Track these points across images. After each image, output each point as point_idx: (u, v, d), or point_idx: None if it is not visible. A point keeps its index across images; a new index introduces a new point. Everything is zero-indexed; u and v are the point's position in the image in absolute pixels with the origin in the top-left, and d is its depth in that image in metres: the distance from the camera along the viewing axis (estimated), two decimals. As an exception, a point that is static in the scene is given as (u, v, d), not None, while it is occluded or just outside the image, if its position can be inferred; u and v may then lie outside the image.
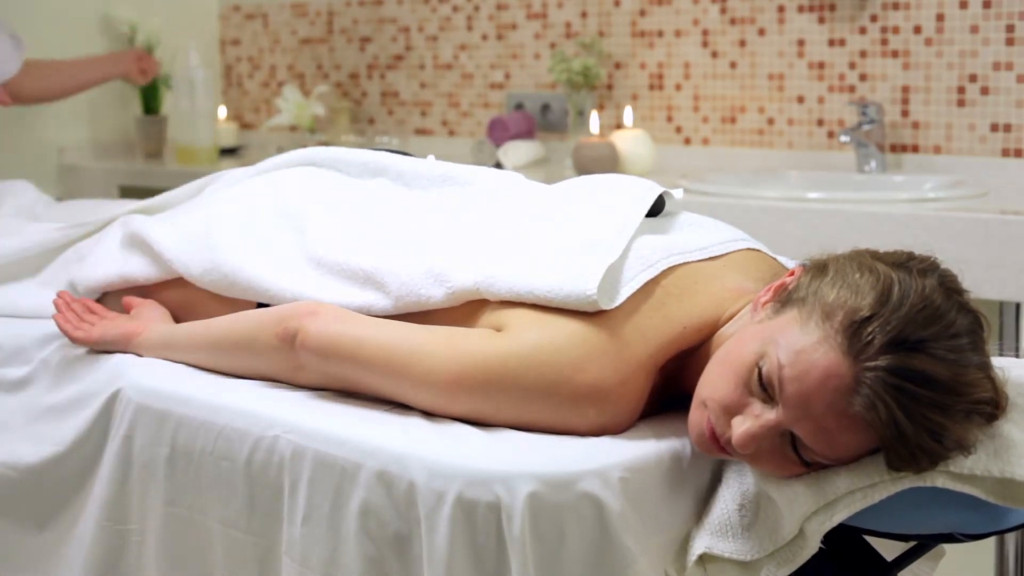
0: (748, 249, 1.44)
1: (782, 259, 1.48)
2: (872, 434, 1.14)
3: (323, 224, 1.53)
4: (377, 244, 1.47)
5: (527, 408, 1.25)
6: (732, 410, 1.19)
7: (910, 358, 1.12)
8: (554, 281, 1.29)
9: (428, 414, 1.30)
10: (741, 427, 1.18)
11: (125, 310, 1.64)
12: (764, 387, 1.17)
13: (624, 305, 1.29)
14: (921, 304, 1.15)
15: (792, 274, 1.27)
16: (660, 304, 1.30)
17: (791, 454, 1.18)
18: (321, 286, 1.46)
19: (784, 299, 1.23)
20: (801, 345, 1.16)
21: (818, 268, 1.23)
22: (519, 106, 3.27)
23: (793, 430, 1.17)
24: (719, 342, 1.29)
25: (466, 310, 1.38)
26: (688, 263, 1.36)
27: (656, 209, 1.47)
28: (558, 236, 1.38)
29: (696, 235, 1.42)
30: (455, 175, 1.60)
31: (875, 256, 1.23)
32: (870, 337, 1.13)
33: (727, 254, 1.40)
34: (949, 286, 1.19)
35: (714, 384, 1.22)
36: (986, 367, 1.17)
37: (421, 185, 1.60)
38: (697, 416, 1.23)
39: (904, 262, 1.21)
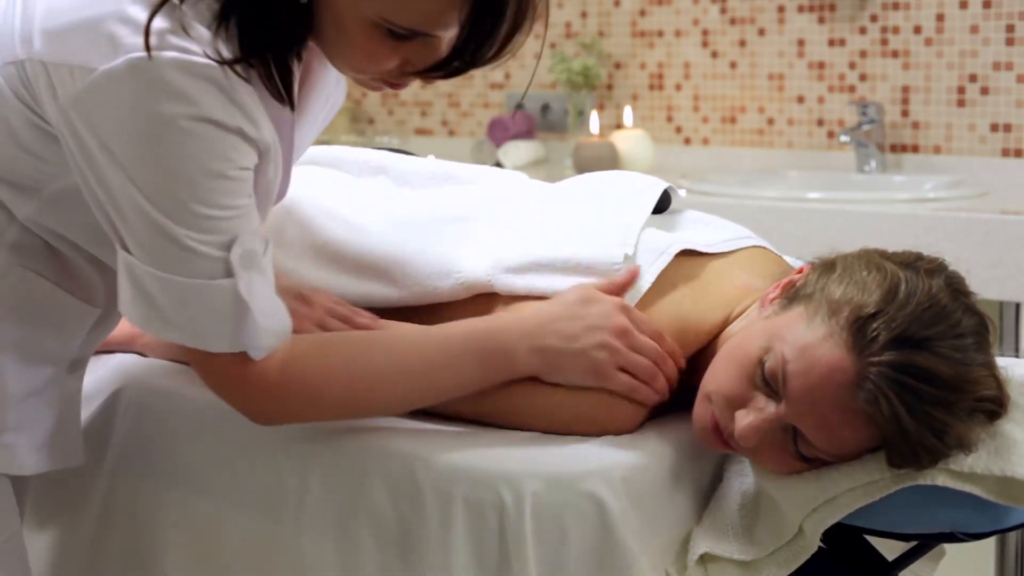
0: (755, 247, 1.43)
1: (787, 259, 1.48)
2: (874, 430, 1.14)
3: (325, 219, 1.52)
4: (382, 236, 1.47)
5: (535, 409, 1.26)
6: (736, 403, 1.20)
7: (914, 355, 1.13)
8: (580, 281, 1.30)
9: (432, 415, 1.30)
10: (744, 420, 1.18)
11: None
12: (768, 382, 1.18)
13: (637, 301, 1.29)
14: (927, 303, 1.16)
15: (801, 271, 1.27)
16: (671, 301, 1.31)
17: (793, 449, 1.18)
18: (323, 277, 1.45)
19: (791, 295, 1.23)
20: (806, 340, 1.16)
21: (826, 266, 1.24)
22: (519, 106, 3.27)
23: (796, 425, 1.17)
24: (726, 339, 1.29)
25: (476, 303, 1.38)
26: (698, 254, 1.36)
27: (661, 208, 1.47)
28: (568, 232, 1.38)
29: (703, 232, 1.41)
30: (457, 174, 1.59)
31: (883, 255, 1.23)
32: (875, 333, 1.14)
33: (735, 251, 1.40)
34: (956, 287, 1.20)
35: (719, 378, 1.22)
36: (990, 366, 1.18)
37: (423, 184, 1.60)
38: (701, 409, 1.23)
39: (912, 262, 1.21)
